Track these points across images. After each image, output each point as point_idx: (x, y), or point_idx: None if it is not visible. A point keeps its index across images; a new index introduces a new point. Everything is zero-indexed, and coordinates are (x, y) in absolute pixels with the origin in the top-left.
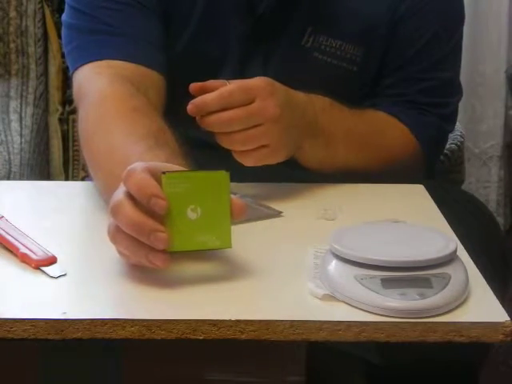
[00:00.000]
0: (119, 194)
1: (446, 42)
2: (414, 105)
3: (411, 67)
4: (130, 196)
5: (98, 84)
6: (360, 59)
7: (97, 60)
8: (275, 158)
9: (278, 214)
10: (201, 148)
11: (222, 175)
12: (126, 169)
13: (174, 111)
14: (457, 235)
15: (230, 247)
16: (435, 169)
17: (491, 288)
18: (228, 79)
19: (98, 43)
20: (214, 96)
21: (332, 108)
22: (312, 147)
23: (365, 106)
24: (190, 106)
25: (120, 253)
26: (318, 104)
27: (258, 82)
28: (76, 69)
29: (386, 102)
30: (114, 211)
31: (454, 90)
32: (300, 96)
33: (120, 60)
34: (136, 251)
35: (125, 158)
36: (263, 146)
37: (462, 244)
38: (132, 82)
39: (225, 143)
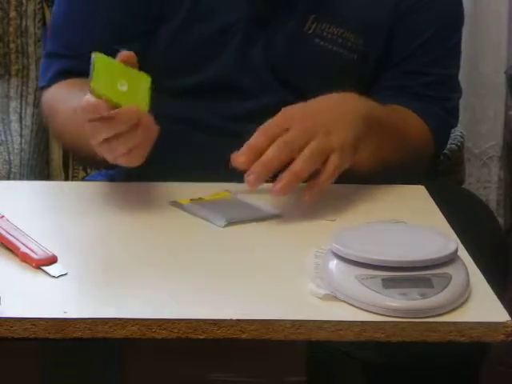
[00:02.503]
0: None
1: (446, 41)
2: (418, 97)
3: (411, 61)
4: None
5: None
6: (361, 48)
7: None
8: (348, 159)
9: (278, 214)
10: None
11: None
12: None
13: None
14: (457, 235)
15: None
16: (435, 169)
17: (491, 288)
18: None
19: (56, 67)
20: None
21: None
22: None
23: None
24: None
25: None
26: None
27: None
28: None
29: (392, 95)
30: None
31: (454, 87)
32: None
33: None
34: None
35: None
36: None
37: (463, 244)
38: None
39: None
